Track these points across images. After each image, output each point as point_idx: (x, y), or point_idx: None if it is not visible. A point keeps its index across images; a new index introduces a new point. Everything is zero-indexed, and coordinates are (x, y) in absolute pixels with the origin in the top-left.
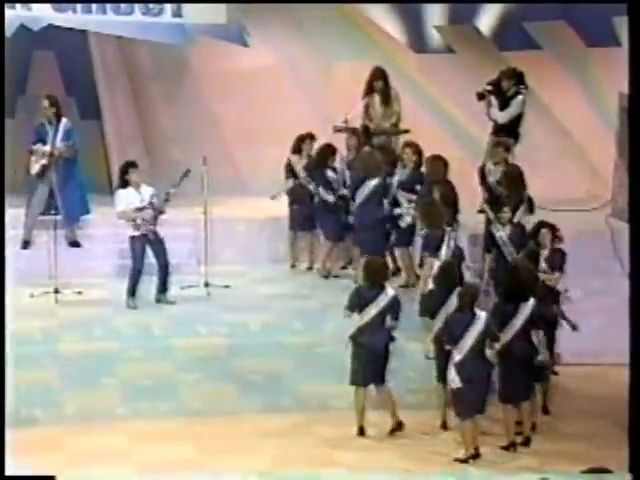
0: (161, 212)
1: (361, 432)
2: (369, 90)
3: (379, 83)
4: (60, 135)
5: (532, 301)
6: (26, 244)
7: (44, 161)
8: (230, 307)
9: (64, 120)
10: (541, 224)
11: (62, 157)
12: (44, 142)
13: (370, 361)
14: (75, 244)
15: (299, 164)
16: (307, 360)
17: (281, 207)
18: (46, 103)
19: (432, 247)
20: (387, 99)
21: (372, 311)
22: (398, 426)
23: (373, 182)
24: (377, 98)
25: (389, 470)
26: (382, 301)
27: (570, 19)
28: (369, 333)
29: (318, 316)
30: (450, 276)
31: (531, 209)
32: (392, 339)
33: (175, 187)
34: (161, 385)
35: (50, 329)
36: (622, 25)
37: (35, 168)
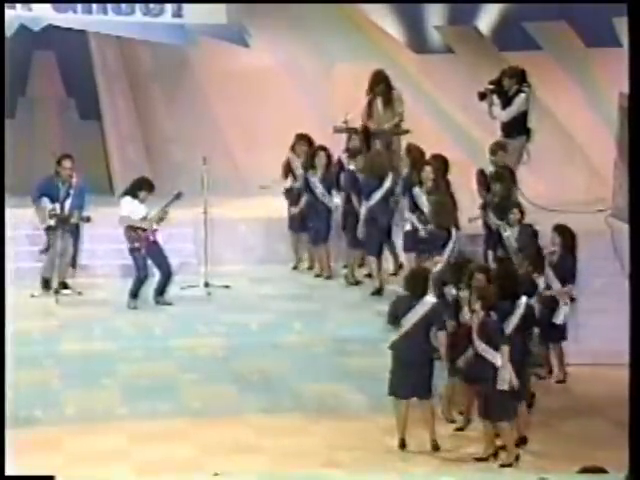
0: (154, 230)
1: (402, 445)
2: (371, 92)
3: (380, 87)
4: (71, 199)
5: (524, 300)
6: (46, 282)
7: (52, 222)
8: (230, 307)
9: (76, 181)
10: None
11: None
12: (51, 199)
13: (409, 374)
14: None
15: (299, 168)
16: (306, 360)
17: (281, 207)
18: (68, 163)
19: (437, 246)
20: (389, 101)
21: (411, 321)
22: (433, 445)
23: (388, 182)
24: (379, 101)
25: (389, 470)
26: (421, 310)
27: (570, 19)
28: (408, 344)
29: (317, 316)
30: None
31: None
32: (435, 350)
33: (167, 207)
34: (161, 385)
35: (50, 329)
36: (622, 25)
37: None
